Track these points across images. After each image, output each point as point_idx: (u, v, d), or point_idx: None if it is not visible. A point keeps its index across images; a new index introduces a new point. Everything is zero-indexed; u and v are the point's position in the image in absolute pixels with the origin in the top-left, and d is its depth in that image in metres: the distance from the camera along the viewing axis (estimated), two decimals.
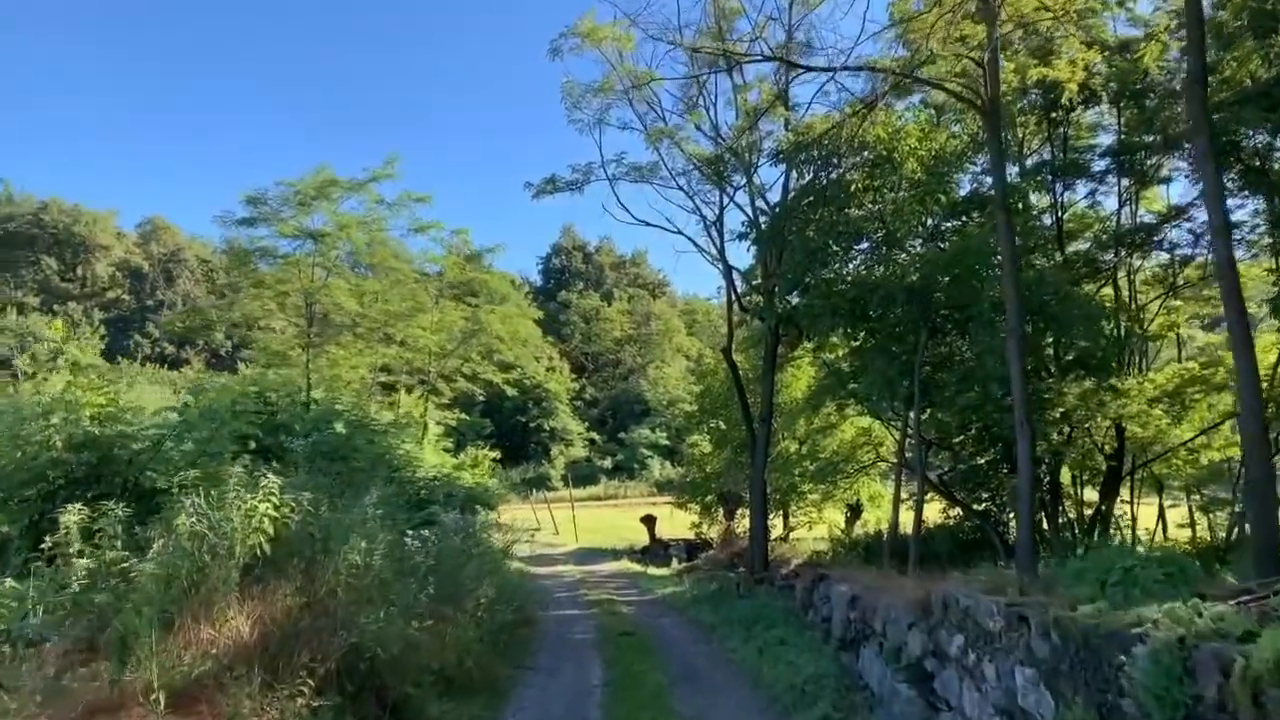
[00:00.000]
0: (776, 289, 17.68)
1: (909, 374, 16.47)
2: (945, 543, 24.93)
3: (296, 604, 6.41)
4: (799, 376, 31.82)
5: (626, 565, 28.41)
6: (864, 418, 30.08)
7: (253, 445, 10.89)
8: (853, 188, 16.30)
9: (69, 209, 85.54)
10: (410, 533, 9.88)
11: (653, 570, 27.40)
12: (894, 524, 19.57)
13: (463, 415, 36.93)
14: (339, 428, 14.85)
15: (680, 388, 74.60)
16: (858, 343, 17.59)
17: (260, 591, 6.25)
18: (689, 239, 19.81)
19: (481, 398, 36.04)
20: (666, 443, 75.47)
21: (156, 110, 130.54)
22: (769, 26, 15.44)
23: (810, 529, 32.77)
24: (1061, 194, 20.87)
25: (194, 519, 6.02)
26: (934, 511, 26.98)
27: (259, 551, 6.19)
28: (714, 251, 19.78)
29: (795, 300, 17.14)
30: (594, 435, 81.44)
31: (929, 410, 25.38)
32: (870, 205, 16.37)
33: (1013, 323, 11.63)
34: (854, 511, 33.43)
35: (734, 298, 20.36)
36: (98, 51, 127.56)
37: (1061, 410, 18.57)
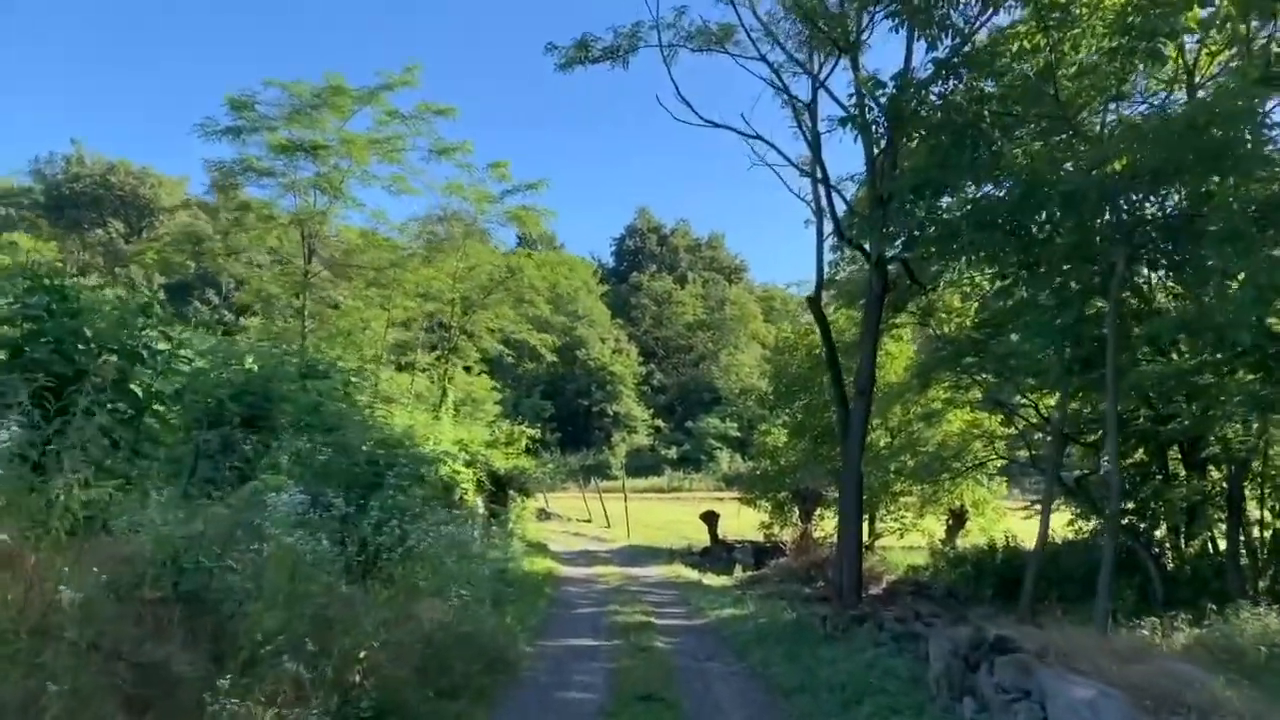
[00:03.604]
0: (892, 200, 12.47)
1: (1081, 324, 11.20)
2: (1077, 564, 19.72)
3: None
4: (895, 355, 26.52)
5: (679, 571, 23.41)
6: (966, 408, 24.95)
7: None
8: (1016, 46, 11.03)
9: (136, 171, 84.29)
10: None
11: (710, 579, 22.35)
12: (1042, 539, 14.27)
13: (486, 377, 32.26)
14: (248, 363, 10.28)
15: (754, 376, 69.30)
16: (1008, 279, 12.32)
17: None
18: (768, 144, 14.67)
19: (510, 358, 31.37)
20: (737, 434, 70.30)
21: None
22: None
23: (901, 537, 27.34)
24: None
25: None
26: (1059, 523, 21.80)
27: None
28: (805, 155, 14.59)
29: (919, 216, 11.87)
30: (659, 423, 76.69)
31: (1053, 392, 20.11)
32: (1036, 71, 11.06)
33: None
34: (957, 519, 27.91)
35: (826, 217, 15.03)
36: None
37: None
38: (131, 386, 7.47)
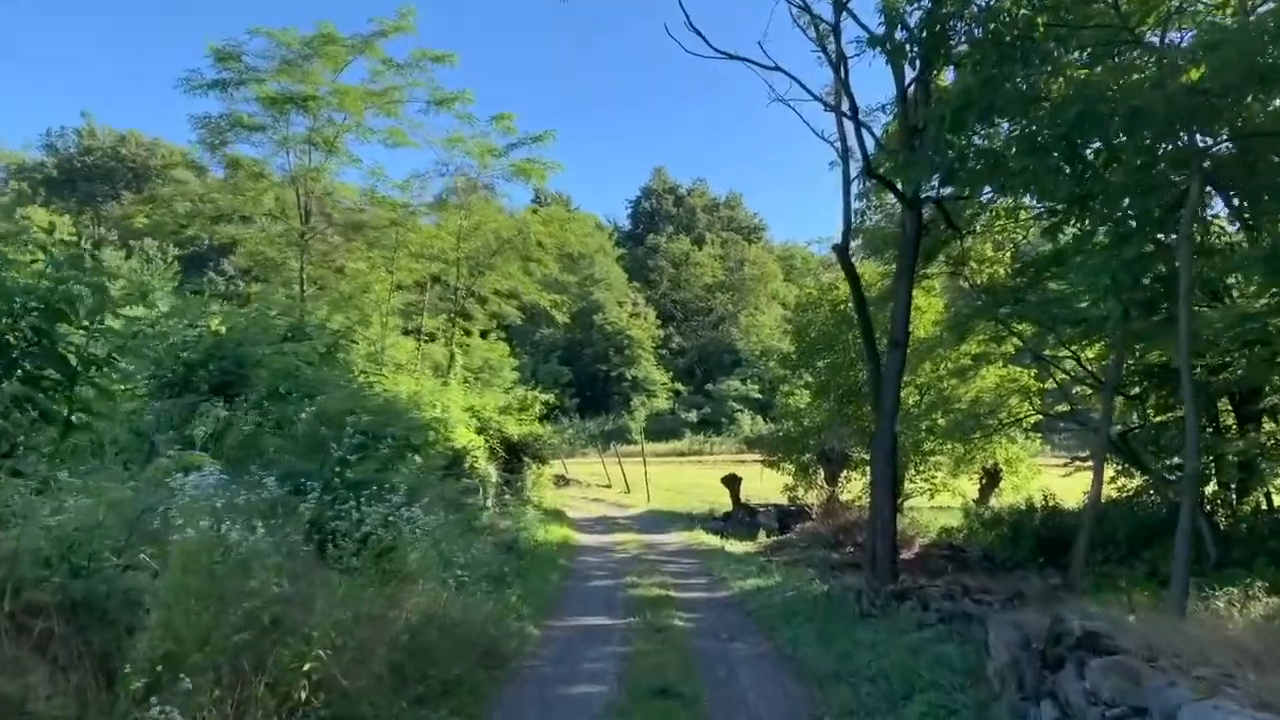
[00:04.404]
0: (927, 130, 11.22)
1: (1145, 261, 10.00)
2: (1121, 524, 18.73)
3: None
4: (924, 309, 25.25)
5: (700, 537, 22.47)
6: (1000, 363, 23.86)
7: None
8: None
9: (147, 143, 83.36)
10: None
11: (733, 545, 21.41)
12: (1095, 499, 13.17)
13: (501, 341, 31.27)
14: (215, 324, 9.29)
15: (776, 336, 67.97)
16: (1057, 215, 11.07)
17: None
18: (789, 76, 13.40)
19: (521, 320, 30.15)
20: (758, 396, 69.20)
21: None
22: None
23: (931, 497, 26.22)
24: None
25: None
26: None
27: None
28: (828, 86, 13.31)
29: (959, 146, 10.60)
30: (679, 386, 75.64)
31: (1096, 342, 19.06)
32: None
33: None
34: (991, 478, 26.81)
35: (854, 157, 13.75)
36: None
37: None
38: (60, 350, 6.46)
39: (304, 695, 4.53)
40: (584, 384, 72.19)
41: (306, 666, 4.58)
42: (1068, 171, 9.85)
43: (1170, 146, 9.41)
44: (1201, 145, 9.18)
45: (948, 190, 13.76)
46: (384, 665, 5.41)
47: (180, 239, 78.26)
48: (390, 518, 6.07)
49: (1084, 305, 16.58)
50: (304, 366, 9.72)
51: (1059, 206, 10.82)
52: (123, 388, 7.99)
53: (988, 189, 14.37)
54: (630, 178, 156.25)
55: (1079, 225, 10.89)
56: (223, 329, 9.23)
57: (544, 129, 22.65)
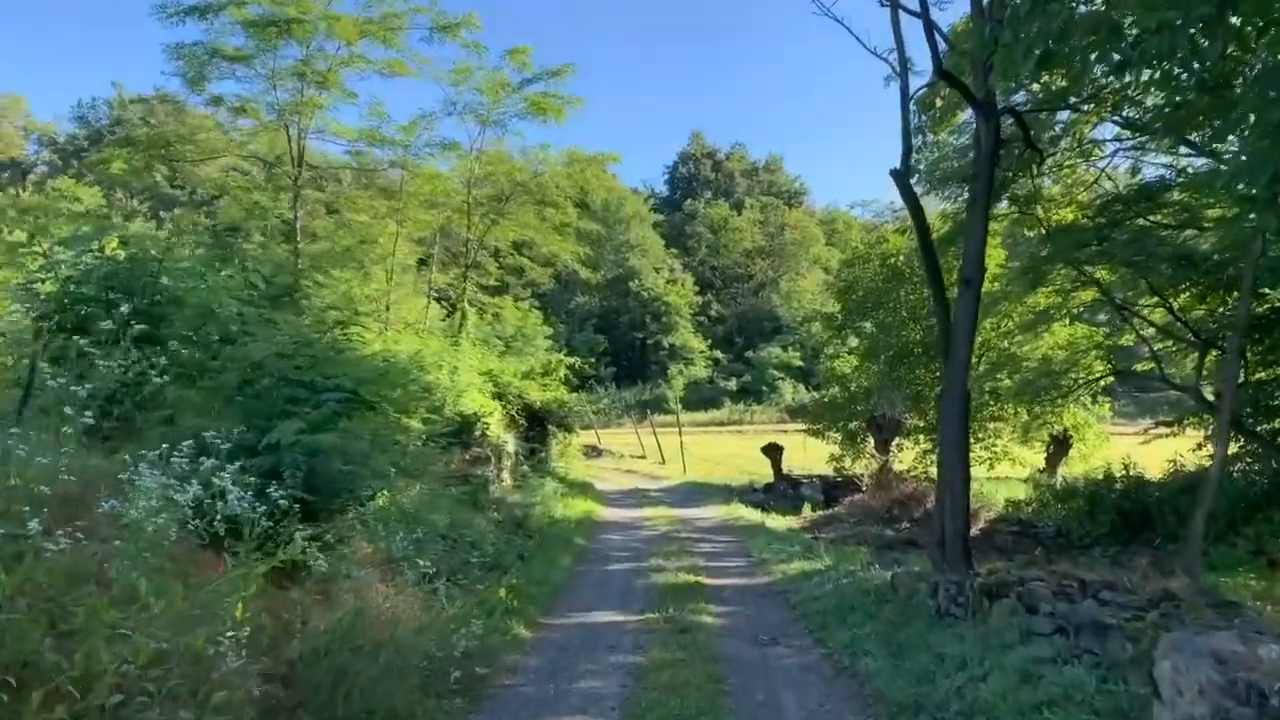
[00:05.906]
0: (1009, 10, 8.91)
1: None
2: (1219, 497, 16.30)
3: None
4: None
5: (738, 512, 20.41)
6: (1068, 318, 21.57)
7: None
8: None
9: (173, 110, 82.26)
10: None
11: (774, 520, 19.37)
12: (1220, 466, 10.94)
13: (527, 305, 29.33)
14: (112, 247, 7.35)
15: (818, 301, 65.33)
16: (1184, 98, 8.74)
17: None
18: None
19: (544, 289, 28.02)
20: (800, 363, 66.71)
21: None
22: None
23: (991, 468, 23.90)
24: None
25: None
26: (1184, 447, 18.48)
27: None
28: None
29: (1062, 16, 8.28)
30: (718, 354, 73.34)
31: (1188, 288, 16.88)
32: None
33: None
34: (1060, 445, 24.41)
35: (912, 70, 11.53)
36: None
37: None
38: None
39: None
40: (620, 352, 70.31)
41: None
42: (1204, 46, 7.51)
43: None
44: None
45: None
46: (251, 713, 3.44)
47: (213, 210, 76.98)
48: (174, 493, 3.98)
49: (1200, 235, 14.28)
50: (230, 303, 7.77)
51: (1189, 96, 8.45)
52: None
53: (1074, 98, 12.19)
54: (668, 145, 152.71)
55: (1210, 122, 8.55)
56: (121, 253, 7.30)
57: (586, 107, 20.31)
